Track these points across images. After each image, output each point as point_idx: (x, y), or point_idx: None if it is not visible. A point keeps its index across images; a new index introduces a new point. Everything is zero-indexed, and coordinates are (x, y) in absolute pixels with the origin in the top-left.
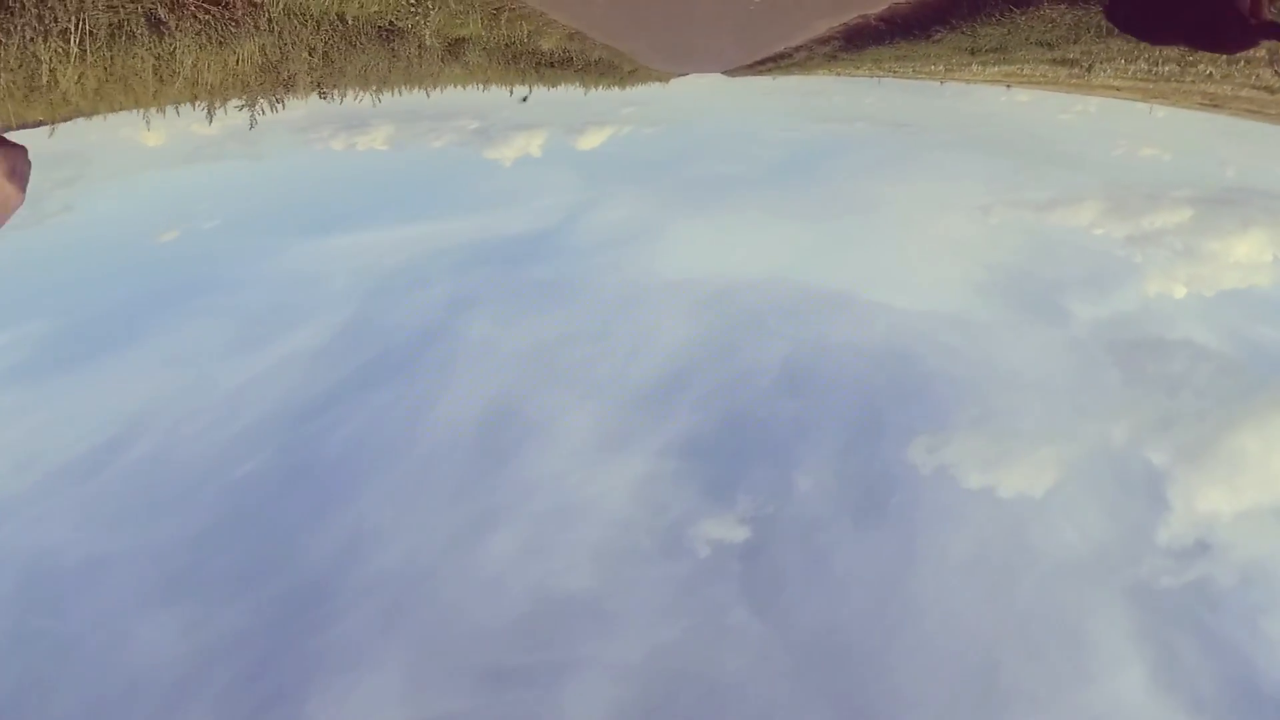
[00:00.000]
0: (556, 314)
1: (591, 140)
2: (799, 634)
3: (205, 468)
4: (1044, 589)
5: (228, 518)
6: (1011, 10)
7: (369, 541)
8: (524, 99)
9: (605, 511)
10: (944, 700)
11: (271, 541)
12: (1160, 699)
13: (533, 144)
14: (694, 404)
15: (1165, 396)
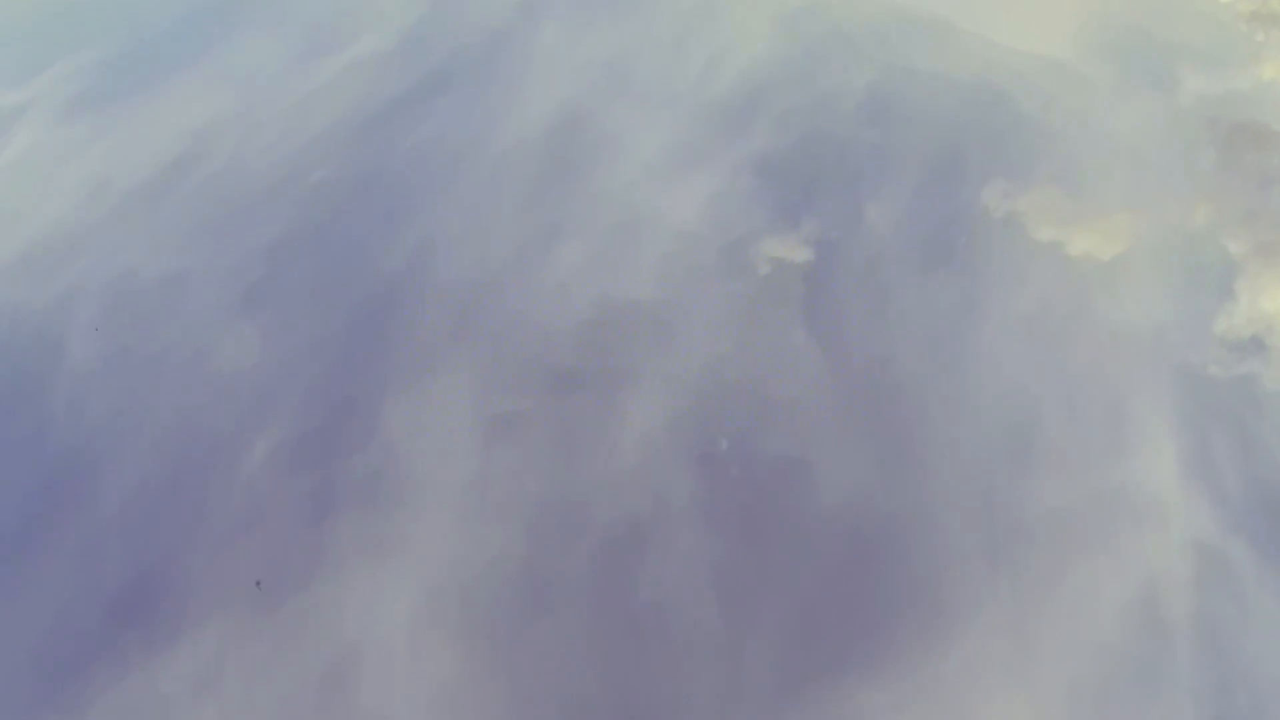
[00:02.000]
0: (633, 19)
1: None
2: (853, 362)
3: (275, 179)
4: (1095, 354)
5: (301, 228)
6: None
7: (440, 248)
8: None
9: (672, 225)
10: (982, 445)
11: (345, 249)
12: (1187, 484)
13: None
14: (772, 122)
15: (1257, 188)
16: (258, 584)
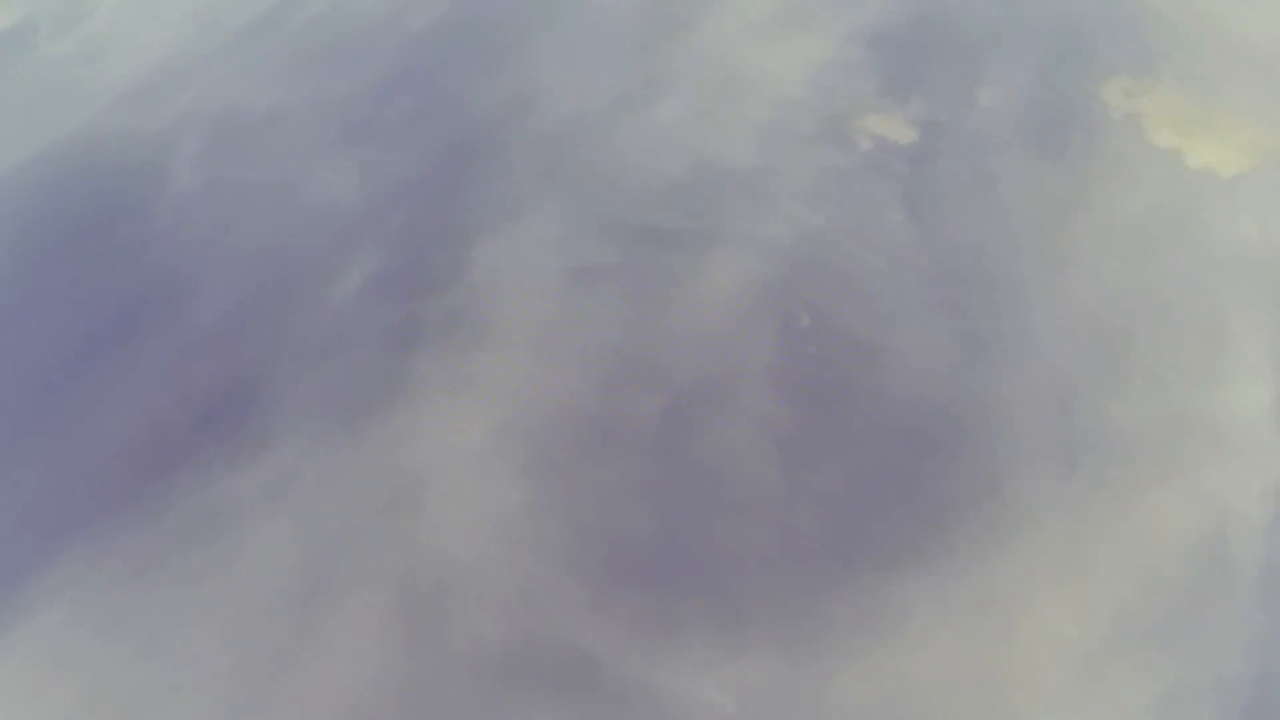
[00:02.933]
0: None
1: None
2: (947, 248)
3: (378, 21)
4: (1202, 274)
5: (403, 69)
6: None
7: (538, 96)
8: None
9: (775, 90)
10: (1070, 352)
11: (444, 92)
12: (1277, 422)
13: None
14: None
15: None
16: None
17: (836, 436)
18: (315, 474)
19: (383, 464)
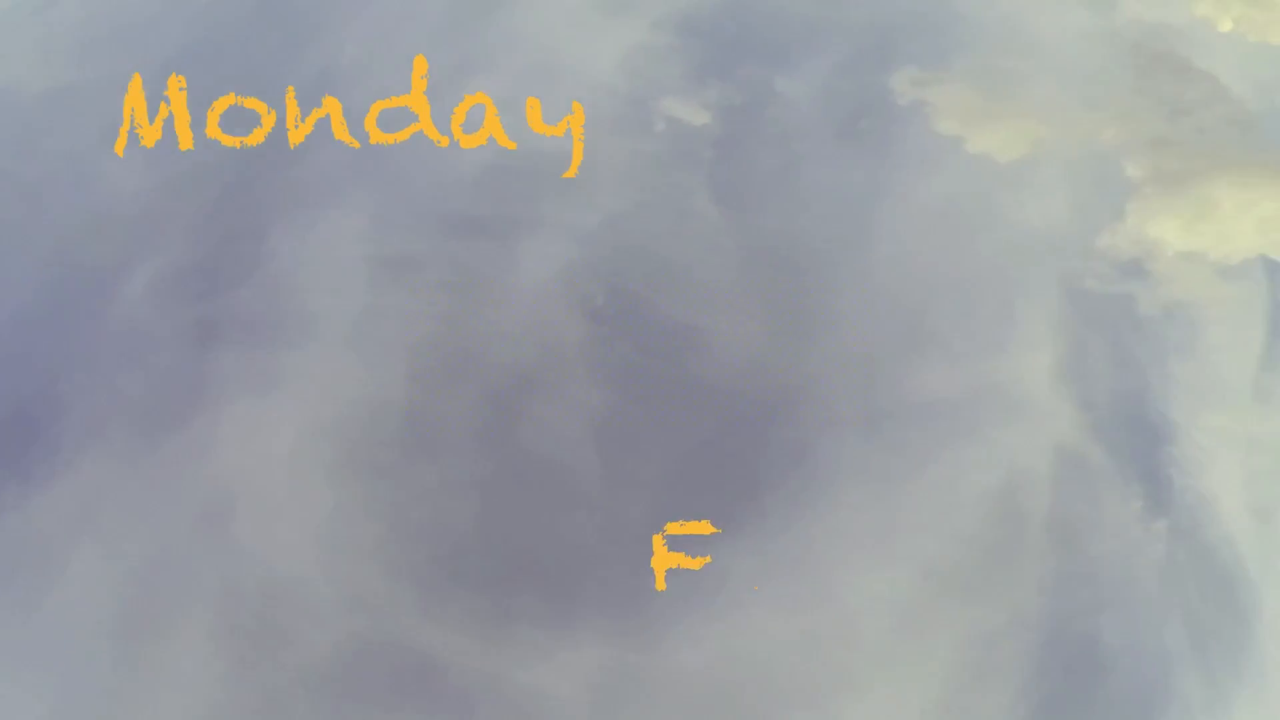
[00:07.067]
0: None
1: None
2: (753, 231)
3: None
4: (987, 252)
5: (193, 45)
6: None
7: (342, 79)
8: None
9: (584, 74)
10: (872, 329)
11: (244, 71)
12: (1056, 387)
13: None
14: None
15: (1166, 119)
16: None
17: (650, 416)
18: (119, 492)
19: (190, 475)
